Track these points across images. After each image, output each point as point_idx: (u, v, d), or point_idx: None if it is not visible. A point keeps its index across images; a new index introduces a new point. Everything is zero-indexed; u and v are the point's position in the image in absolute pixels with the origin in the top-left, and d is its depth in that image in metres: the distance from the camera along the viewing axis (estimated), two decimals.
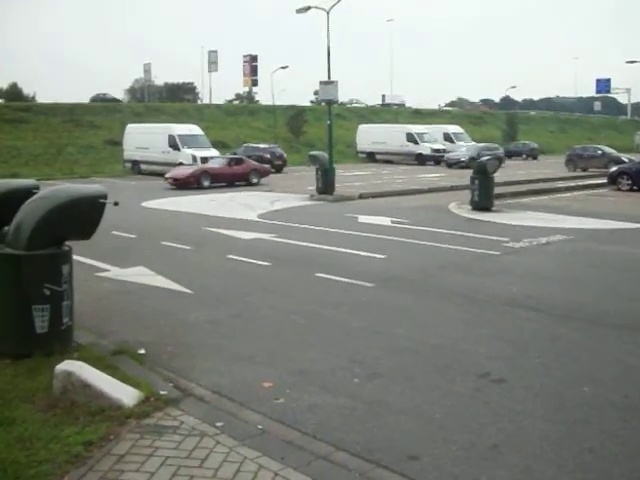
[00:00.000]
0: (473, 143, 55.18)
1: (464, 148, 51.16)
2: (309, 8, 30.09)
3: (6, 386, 6.38)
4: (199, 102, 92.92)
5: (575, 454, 5.26)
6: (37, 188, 8.78)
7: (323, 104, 39.49)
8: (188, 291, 10.64)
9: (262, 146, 47.07)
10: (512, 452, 5.31)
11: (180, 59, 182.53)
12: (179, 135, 40.26)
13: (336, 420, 5.88)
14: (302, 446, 5.32)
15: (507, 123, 75.49)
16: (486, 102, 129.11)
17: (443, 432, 5.66)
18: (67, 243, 7.50)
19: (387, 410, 6.12)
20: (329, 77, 28.70)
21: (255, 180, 34.22)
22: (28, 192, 8.38)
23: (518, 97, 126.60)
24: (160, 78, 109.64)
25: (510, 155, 58.55)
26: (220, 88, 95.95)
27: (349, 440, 5.44)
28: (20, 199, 7.89)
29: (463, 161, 46.34)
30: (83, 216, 7.49)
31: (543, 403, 6.29)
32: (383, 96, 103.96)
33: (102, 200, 7.58)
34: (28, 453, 5.06)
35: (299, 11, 30.47)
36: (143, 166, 42.00)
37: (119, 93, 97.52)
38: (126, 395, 6.05)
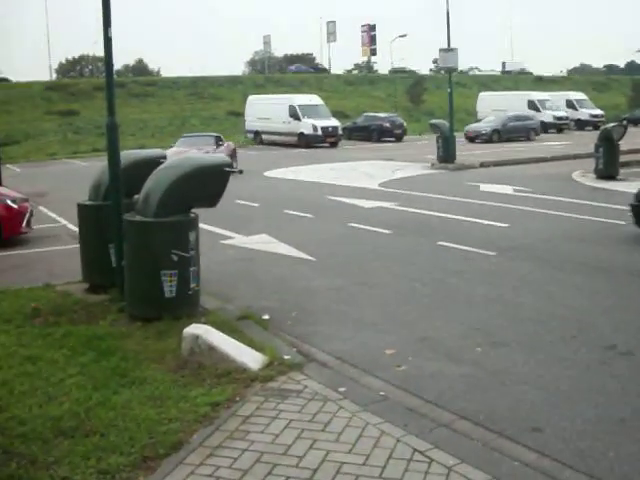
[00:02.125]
0: (511, 113, 44.47)
1: (491, 118, 43.90)
2: None
3: (137, 347, 6.67)
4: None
5: None
6: (164, 157, 9.08)
7: (442, 72, 38.81)
8: (311, 258, 10.76)
9: (382, 115, 46.76)
10: None
11: (299, 31, 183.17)
12: (299, 105, 40.60)
13: (458, 388, 5.82)
14: (424, 413, 5.29)
15: (632, 89, 71.91)
16: (610, 68, 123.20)
17: (568, 404, 5.50)
18: (193, 211, 7.71)
19: (510, 380, 6.01)
20: (449, 45, 28.14)
21: None
22: (156, 161, 8.68)
23: None
24: (279, 50, 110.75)
25: (636, 122, 55.83)
26: (339, 58, 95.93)
27: (471, 409, 5.38)
28: (148, 168, 8.18)
29: (484, 134, 40.87)
30: (209, 184, 7.68)
31: None
32: (503, 63, 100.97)
33: (227, 169, 7.74)
34: (159, 411, 5.27)
35: None
36: (264, 136, 42.63)
37: (240, 66, 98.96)
38: (251, 359, 6.20)
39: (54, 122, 50.75)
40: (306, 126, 39.27)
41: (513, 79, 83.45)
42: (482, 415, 5.26)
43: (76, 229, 13.38)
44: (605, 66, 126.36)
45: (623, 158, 22.77)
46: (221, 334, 6.46)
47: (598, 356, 6.53)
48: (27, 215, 13.12)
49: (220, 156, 8.33)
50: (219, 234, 12.69)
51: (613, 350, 6.66)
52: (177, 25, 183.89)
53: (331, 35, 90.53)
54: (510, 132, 41.03)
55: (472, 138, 40.91)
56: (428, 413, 5.30)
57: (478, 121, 46.81)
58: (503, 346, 6.83)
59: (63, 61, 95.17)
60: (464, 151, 29.52)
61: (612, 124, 24.02)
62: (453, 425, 5.10)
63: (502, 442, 4.85)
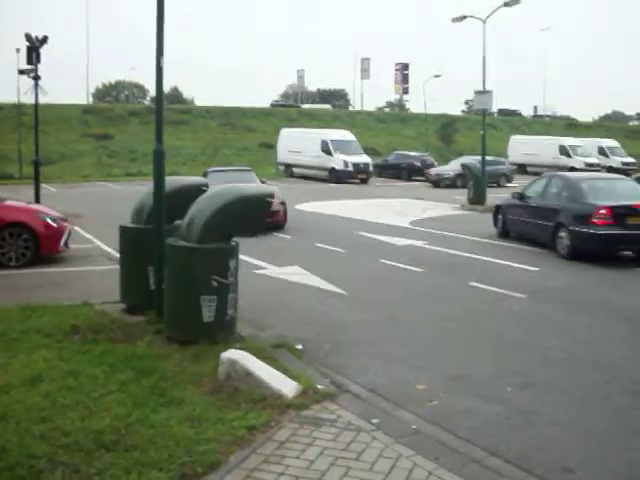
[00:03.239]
0: (469, 157, 39.83)
1: (454, 162, 39.83)
2: (465, 17, 29.90)
3: (175, 368, 6.83)
4: (350, 108, 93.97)
5: None
6: (206, 186, 9.31)
7: (476, 113, 39.05)
8: (342, 292, 10.91)
9: (413, 154, 47.06)
10: None
11: (333, 66, 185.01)
12: (332, 140, 40.97)
13: (490, 426, 5.91)
14: (456, 448, 5.39)
15: None
16: None
17: (599, 447, 5.58)
18: (235, 239, 7.91)
19: (541, 420, 6.09)
20: (484, 87, 28.43)
21: None
22: (198, 189, 8.91)
23: None
24: (312, 84, 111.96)
25: None
26: (371, 95, 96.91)
27: (503, 447, 5.46)
28: (191, 195, 8.42)
29: (447, 178, 38.03)
30: (251, 214, 7.89)
31: None
32: (535, 107, 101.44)
33: (269, 199, 7.94)
34: (197, 431, 5.41)
35: (455, 20, 30.31)
36: (295, 169, 43.04)
37: (273, 97, 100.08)
38: (286, 386, 6.33)
39: (89, 145, 51.70)
40: (337, 161, 39.61)
41: (545, 123, 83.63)
42: (513, 453, 5.35)
43: (110, 250, 13.76)
44: (637, 114, 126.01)
45: None
46: (258, 360, 6.60)
47: (629, 401, 6.59)
48: (66, 234, 13.43)
49: (263, 186, 8.58)
50: (252, 264, 12.88)
51: None
52: (211, 55, 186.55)
53: (365, 72, 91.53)
54: None
55: (436, 182, 38.28)
56: (459, 448, 5.40)
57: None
58: (533, 387, 6.93)
59: (100, 85, 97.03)
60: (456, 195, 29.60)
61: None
62: (485, 461, 5.19)
63: None
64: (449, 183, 37.34)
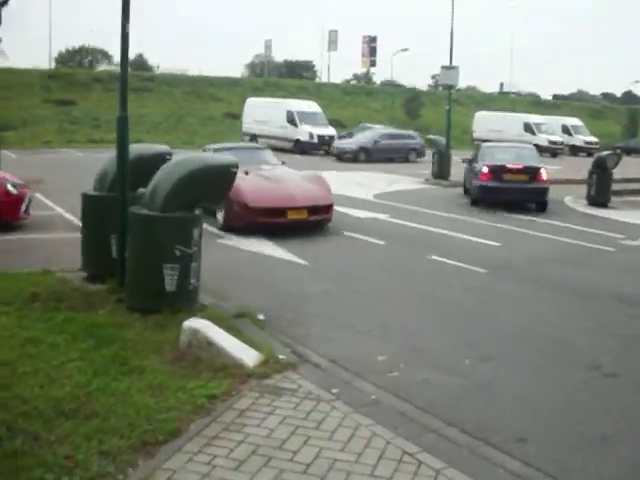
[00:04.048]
0: (378, 127, 42.18)
1: (366, 133, 38.66)
2: None
3: (136, 337, 6.83)
4: (317, 80, 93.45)
5: None
6: (170, 154, 9.25)
7: (441, 89, 39.12)
8: (305, 263, 10.96)
9: (378, 127, 47.00)
10: (621, 445, 5.32)
11: (300, 37, 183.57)
12: (298, 111, 40.80)
13: (448, 397, 6.02)
14: (414, 418, 5.49)
15: (628, 118, 72.65)
16: (606, 96, 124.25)
17: (552, 420, 5.72)
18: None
19: (497, 392, 6.22)
20: (451, 62, 28.48)
21: None
22: (162, 157, 8.86)
23: None
24: (279, 55, 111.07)
25: (629, 152, 56.38)
26: (338, 67, 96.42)
27: (460, 417, 5.58)
28: (155, 163, 8.37)
29: (349, 152, 35.99)
30: (214, 183, 7.87)
31: None
32: (501, 84, 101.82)
33: (233, 169, 7.92)
34: (158, 399, 5.44)
35: None
36: (261, 140, 42.72)
37: (239, 68, 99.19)
38: (247, 355, 6.37)
39: (51, 111, 50.69)
40: (303, 133, 39.49)
41: (510, 100, 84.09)
42: (469, 424, 5.46)
43: (72, 218, 13.60)
44: (602, 94, 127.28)
45: (616, 187, 23.11)
46: (219, 330, 6.63)
47: (581, 375, 6.74)
48: (26, 201, 13.24)
49: (228, 156, 8.54)
50: (216, 234, 12.88)
51: (597, 370, 6.87)
52: (178, 23, 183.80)
53: (332, 44, 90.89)
54: (382, 152, 36.32)
55: (338, 156, 36.14)
56: (418, 418, 5.50)
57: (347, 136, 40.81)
58: (490, 360, 7.05)
59: (63, 50, 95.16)
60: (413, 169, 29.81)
61: (607, 152, 24.33)
62: (442, 431, 5.30)
63: (488, 450, 5.06)
64: (351, 157, 35.63)
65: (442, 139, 27.77)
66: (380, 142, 36.92)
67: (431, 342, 7.53)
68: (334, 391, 5.88)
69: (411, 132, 40.83)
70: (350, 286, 9.73)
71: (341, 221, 15.11)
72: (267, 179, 14.17)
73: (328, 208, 14.29)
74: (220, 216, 13.60)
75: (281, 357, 6.53)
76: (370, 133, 38.66)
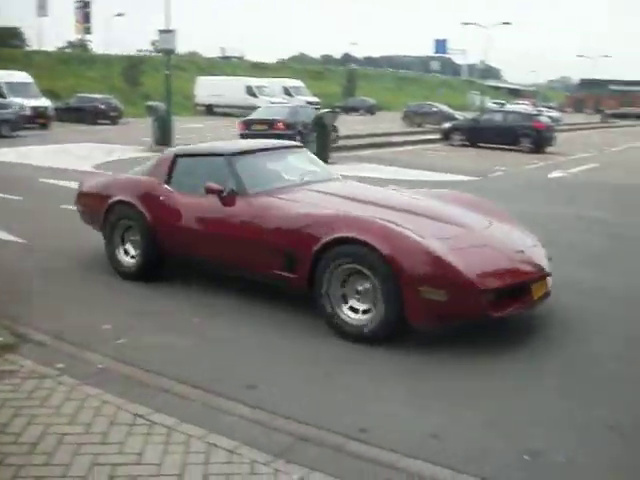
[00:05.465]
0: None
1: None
2: None
3: None
4: (27, 49, 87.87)
5: None
6: None
7: (161, 54, 38.56)
8: (22, 241, 10.34)
9: (97, 97, 45.40)
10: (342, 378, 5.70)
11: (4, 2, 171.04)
12: (6, 83, 38.15)
13: (178, 357, 6.04)
14: (144, 382, 5.44)
15: (346, 79, 76.81)
16: (327, 58, 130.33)
17: (280, 365, 5.97)
18: None
19: (228, 346, 6.35)
20: (168, 26, 28.07)
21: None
22: None
23: (359, 54, 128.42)
24: None
25: (348, 110, 59.77)
26: (51, 34, 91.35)
27: (190, 374, 5.61)
28: None
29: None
30: None
31: None
32: (222, 49, 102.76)
33: None
34: None
35: None
36: None
37: None
38: None
39: None
40: (14, 105, 36.89)
41: (232, 65, 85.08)
42: (201, 378, 5.53)
43: None
44: (322, 56, 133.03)
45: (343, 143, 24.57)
46: None
47: (311, 322, 7.07)
48: None
49: None
50: None
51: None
52: None
53: (41, 9, 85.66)
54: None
55: None
56: (148, 381, 5.45)
57: None
58: (220, 315, 7.17)
59: None
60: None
61: (325, 110, 25.59)
62: (173, 390, 5.30)
63: (220, 400, 5.16)
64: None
65: (162, 105, 27.42)
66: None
67: (156, 305, 7.52)
68: (59, 366, 5.64)
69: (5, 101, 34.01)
70: (67, 260, 9.31)
71: (57, 195, 14.41)
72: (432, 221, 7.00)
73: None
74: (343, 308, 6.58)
75: None
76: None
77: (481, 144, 32.16)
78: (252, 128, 26.18)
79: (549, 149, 31.67)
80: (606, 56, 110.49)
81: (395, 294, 6.04)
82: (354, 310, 6.46)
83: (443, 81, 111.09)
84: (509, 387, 5.61)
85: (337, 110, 28.98)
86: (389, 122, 48.93)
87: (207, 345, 6.37)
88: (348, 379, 5.67)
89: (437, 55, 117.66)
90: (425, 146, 31.91)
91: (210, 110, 55.92)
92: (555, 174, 22.58)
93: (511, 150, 31.09)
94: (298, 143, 9.22)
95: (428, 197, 8.11)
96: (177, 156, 8.49)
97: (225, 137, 28.60)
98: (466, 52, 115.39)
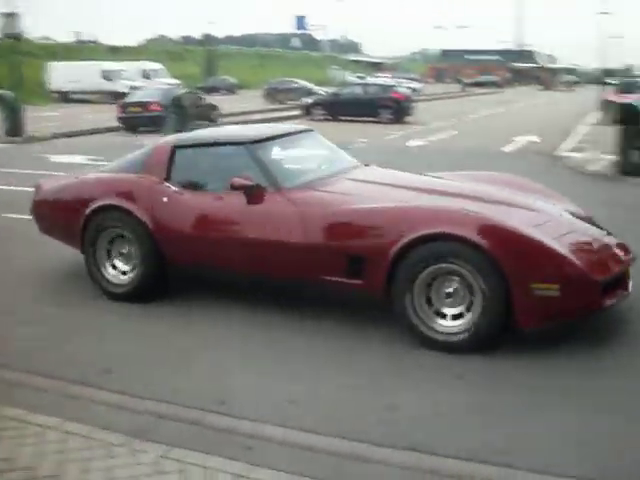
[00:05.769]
0: None
1: None
2: None
3: None
4: None
5: None
6: None
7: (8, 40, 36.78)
8: None
9: None
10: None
11: None
12: None
13: (30, 347, 5.87)
14: None
15: (206, 59, 75.88)
16: (187, 39, 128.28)
17: (140, 347, 5.91)
18: None
19: (73, 333, 6.22)
20: (11, 9, 26.86)
21: None
22: None
23: (220, 34, 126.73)
24: None
25: (210, 91, 59.05)
26: None
27: (38, 365, 5.47)
28: None
29: None
30: None
31: None
32: (77, 32, 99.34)
33: None
34: None
35: None
36: None
37: None
38: None
39: None
40: None
41: (88, 49, 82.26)
42: (46, 367, 5.41)
43: None
44: (182, 37, 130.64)
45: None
46: None
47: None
48: None
49: None
50: None
51: None
52: None
53: None
54: None
55: None
56: None
57: None
58: (69, 305, 7.01)
59: None
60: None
61: (183, 91, 25.35)
62: (25, 382, 5.14)
63: (75, 388, 5.04)
64: None
65: (10, 93, 26.04)
66: None
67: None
68: None
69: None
70: None
71: None
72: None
73: None
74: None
75: None
76: None
77: (342, 118, 32.64)
78: (128, 110, 27.21)
79: (409, 119, 32.49)
80: (463, 27, 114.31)
81: (500, 295, 5.23)
82: (441, 315, 5.57)
83: (304, 56, 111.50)
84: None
85: (196, 92, 28.76)
86: (250, 100, 48.74)
87: (56, 334, 6.21)
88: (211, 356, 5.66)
89: (299, 32, 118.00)
90: (287, 122, 32.00)
91: (66, 97, 53.91)
92: (414, 142, 23.20)
93: (372, 122, 31.65)
94: (309, 127, 7.78)
95: (471, 180, 7.22)
96: (176, 147, 7.00)
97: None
98: (327, 27, 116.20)
